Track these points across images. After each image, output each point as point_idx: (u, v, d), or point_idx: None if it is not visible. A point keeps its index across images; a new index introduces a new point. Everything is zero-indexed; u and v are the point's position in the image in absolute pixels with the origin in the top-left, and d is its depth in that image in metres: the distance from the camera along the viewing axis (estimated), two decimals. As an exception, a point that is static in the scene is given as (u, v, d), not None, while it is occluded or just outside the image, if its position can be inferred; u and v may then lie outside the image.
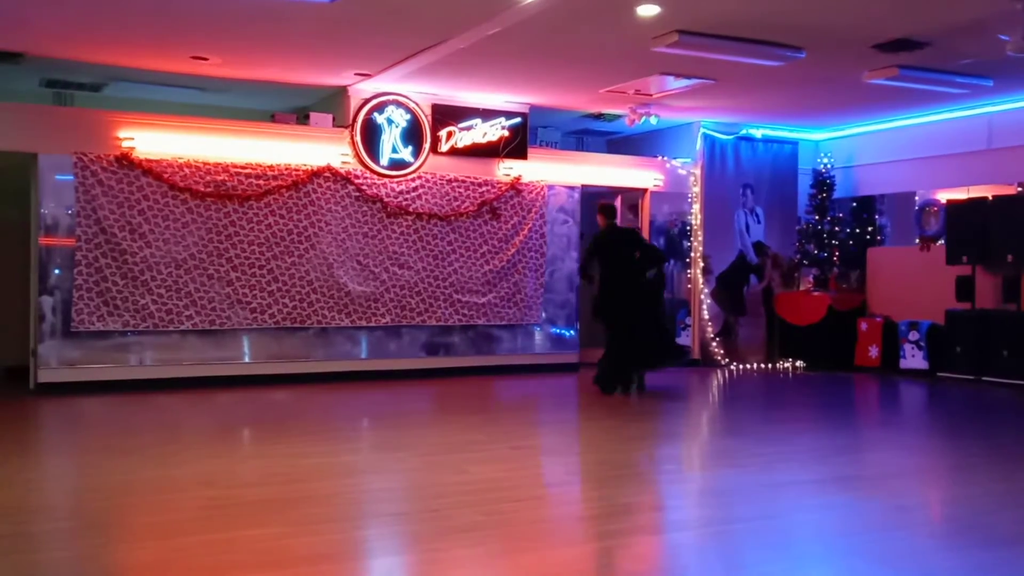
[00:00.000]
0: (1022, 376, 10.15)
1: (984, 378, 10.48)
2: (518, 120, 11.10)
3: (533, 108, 11.26)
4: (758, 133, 12.71)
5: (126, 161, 9.23)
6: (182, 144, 9.49)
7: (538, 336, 11.43)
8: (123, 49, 8.87)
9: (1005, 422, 8.45)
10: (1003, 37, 7.55)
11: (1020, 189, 11.73)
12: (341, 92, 10.39)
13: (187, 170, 9.48)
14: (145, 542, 4.36)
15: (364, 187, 10.29)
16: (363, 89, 10.27)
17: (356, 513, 5.04)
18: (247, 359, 9.84)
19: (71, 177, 9.06)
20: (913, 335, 11.33)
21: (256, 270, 9.78)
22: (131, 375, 9.28)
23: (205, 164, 9.56)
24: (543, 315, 11.36)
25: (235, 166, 9.69)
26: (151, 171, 9.32)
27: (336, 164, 10.16)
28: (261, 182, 9.80)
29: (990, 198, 10.83)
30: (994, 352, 10.41)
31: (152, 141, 9.35)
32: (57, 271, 9.05)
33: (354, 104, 10.29)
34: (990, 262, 10.69)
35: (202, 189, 9.53)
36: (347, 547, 4.38)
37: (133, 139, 9.25)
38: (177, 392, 9.15)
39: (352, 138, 10.24)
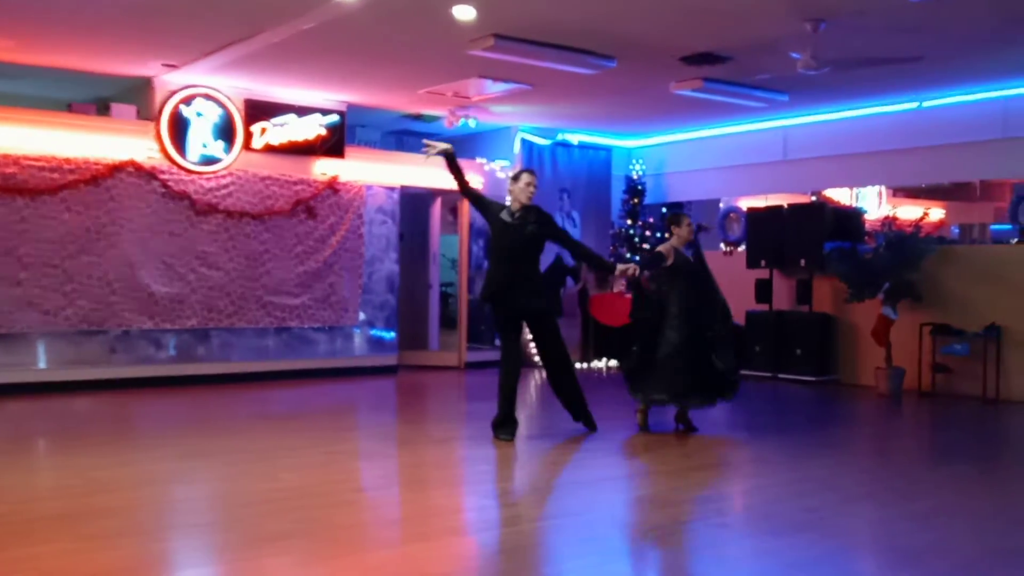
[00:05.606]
0: (813, 373, 10.86)
1: (780, 375, 11.14)
2: (335, 118, 10.90)
3: (351, 107, 11.09)
4: (574, 139, 13.03)
5: (-101, 149, 8.46)
6: (-35, 133, 8.79)
7: (356, 338, 11.25)
8: None
9: (797, 417, 9.02)
10: (794, 55, 8.06)
11: (813, 198, 12.59)
12: (146, 83, 9.88)
13: (-29, 161, 8.78)
14: (-87, 566, 3.99)
15: (170, 183, 9.83)
16: (170, 81, 9.81)
17: (157, 525, 4.79)
18: (42, 364, 9.20)
19: None
20: (717, 335, 11.89)
21: (49, 269, 9.15)
22: (-96, 383, 8.51)
23: (-8, 155, 8.89)
24: (361, 317, 11.20)
25: (27, 158, 9.03)
26: (-71, 161, 8.58)
27: (140, 158, 9.65)
28: (56, 176, 9.18)
29: (785, 206, 11.52)
30: (789, 351, 11.08)
31: (-70, 128, 8.62)
32: None
33: (160, 96, 9.81)
34: (786, 266, 11.36)
35: (-12, 182, 8.85)
36: (145, 561, 4.15)
37: (-93, 126, 8.50)
38: (-41, 401, 8.46)
39: (158, 131, 9.76)
